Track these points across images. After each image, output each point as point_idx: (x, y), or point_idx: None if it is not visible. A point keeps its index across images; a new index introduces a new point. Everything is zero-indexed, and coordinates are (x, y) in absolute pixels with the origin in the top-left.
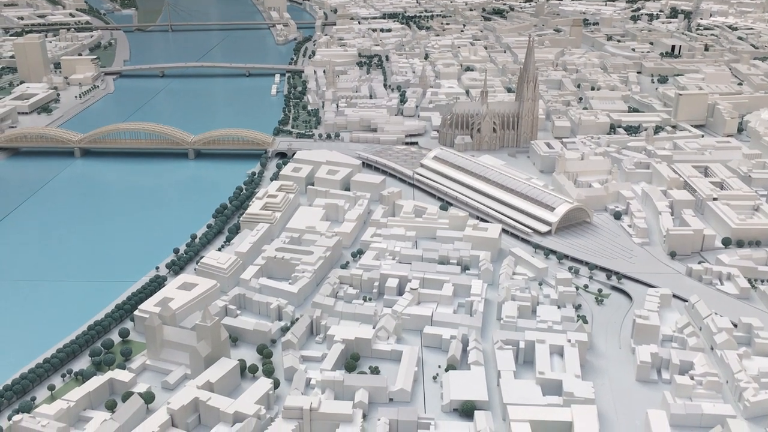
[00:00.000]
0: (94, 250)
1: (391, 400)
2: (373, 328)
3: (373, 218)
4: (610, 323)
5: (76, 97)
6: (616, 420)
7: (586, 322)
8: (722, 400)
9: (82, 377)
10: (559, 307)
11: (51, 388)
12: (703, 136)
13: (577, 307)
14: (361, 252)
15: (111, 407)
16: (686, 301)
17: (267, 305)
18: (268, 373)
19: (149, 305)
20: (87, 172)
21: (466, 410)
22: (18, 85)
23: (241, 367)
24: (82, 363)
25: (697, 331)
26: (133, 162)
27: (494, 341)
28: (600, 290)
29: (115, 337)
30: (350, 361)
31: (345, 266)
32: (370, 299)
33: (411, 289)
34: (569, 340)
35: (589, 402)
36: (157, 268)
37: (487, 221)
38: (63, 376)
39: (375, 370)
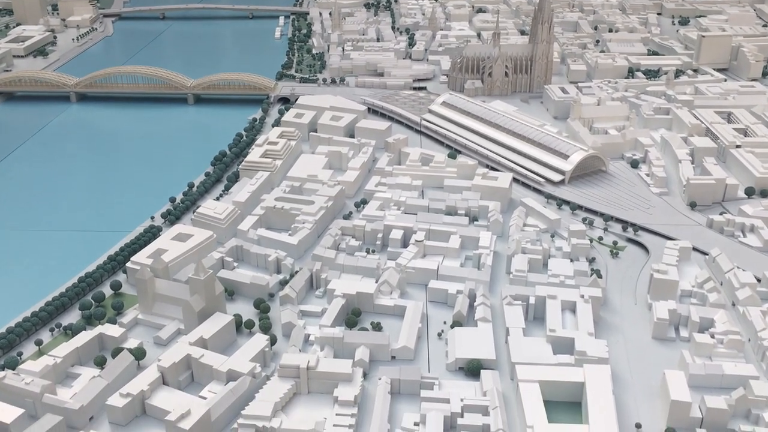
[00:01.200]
0: (88, 199)
1: (393, 358)
2: (376, 282)
3: (377, 167)
4: (625, 278)
5: (73, 39)
6: (631, 380)
7: (600, 276)
8: (744, 359)
9: (71, 332)
10: (571, 261)
11: (38, 343)
12: (725, 81)
13: (591, 261)
14: (364, 202)
15: (100, 363)
16: (707, 254)
17: (265, 257)
18: (265, 328)
19: (142, 257)
20: (83, 117)
21: (472, 369)
22: (14, 27)
23: (237, 323)
24: (72, 317)
25: (718, 287)
26: (130, 107)
27: (503, 296)
28: (615, 243)
29: (106, 290)
30: (351, 316)
31: (347, 217)
32: (373, 252)
33: (416, 241)
34: (582, 296)
35: (602, 361)
36: (152, 218)
37: (497, 170)
38: (51, 330)
39: (377, 327)
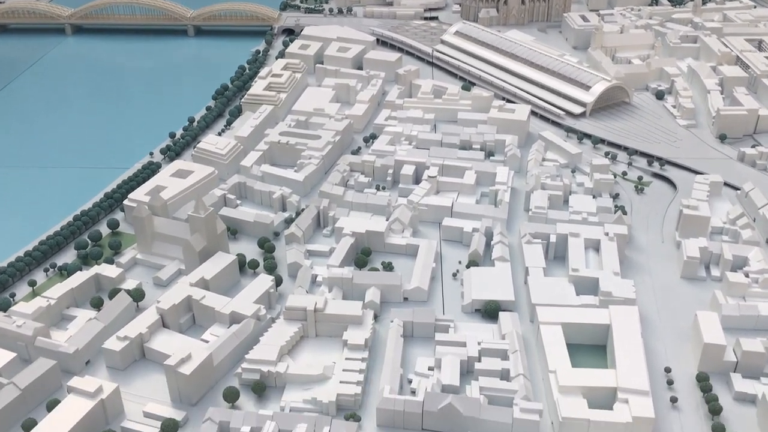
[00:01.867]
0: (85, 135)
1: (405, 299)
2: (387, 220)
3: (387, 99)
4: (651, 214)
5: None
6: (659, 322)
7: (625, 213)
8: None
9: (66, 272)
10: (594, 197)
11: (32, 283)
12: (755, 7)
13: (615, 197)
14: (374, 137)
15: (96, 305)
16: (739, 189)
17: (269, 195)
18: (270, 269)
19: (140, 194)
20: (78, 50)
21: (489, 311)
22: None
23: (240, 263)
24: (67, 257)
25: (752, 223)
26: (128, 39)
27: (521, 235)
28: (640, 178)
29: (103, 229)
30: (360, 256)
31: (356, 152)
32: (383, 188)
33: (429, 177)
34: (606, 233)
35: (629, 302)
36: (151, 154)
37: (514, 102)
38: (45, 271)
39: (388, 267)
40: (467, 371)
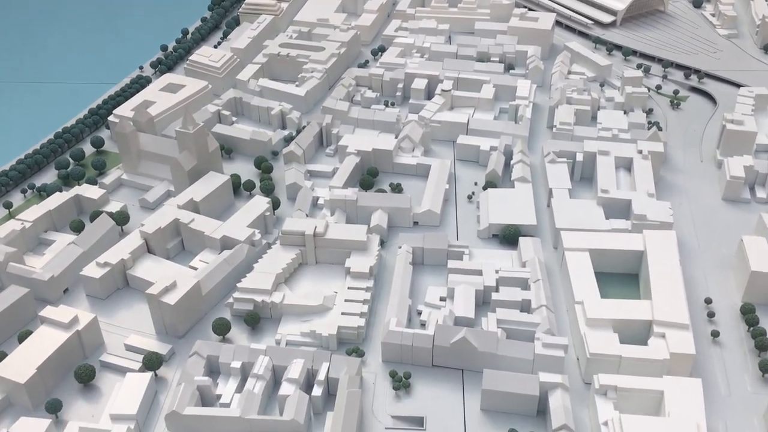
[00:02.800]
0: (70, 47)
1: (415, 223)
2: (396, 137)
3: (398, 9)
4: (688, 132)
5: None
6: (699, 249)
7: (660, 129)
8: None
9: (45, 193)
10: (625, 113)
11: (8, 205)
12: None
13: (648, 113)
14: (382, 49)
15: (77, 229)
16: None
17: (268, 111)
18: (267, 191)
19: (125, 110)
20: None
21: (508, 236)
22: None
23: (234, 184)
24: (47, 177)
25: None
26: None
27: (545, 153)
28: (676, 92)
29: (87, 147)
30: (366, 177)
31: (363, 65)
32: (392, 104)
33: (443, 91)
34: (640, 151)
35: (666, 226)
36: (141, 68)
37: (536, 10)
38: (23, 192)
39: (396, 188)
40: (483, 302)
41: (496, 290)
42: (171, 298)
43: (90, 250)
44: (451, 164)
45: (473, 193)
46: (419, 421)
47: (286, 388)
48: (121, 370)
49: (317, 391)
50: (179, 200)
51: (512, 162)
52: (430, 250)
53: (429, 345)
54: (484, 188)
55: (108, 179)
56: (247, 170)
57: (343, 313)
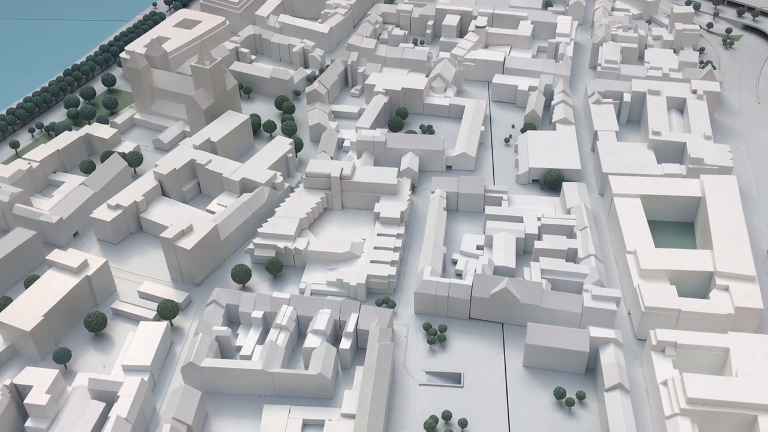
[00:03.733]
0: None
1: (449, 168)
2: (426, 77)
3: None
4: (744, 73)
5: None
6: (759, 196)
7: (714, 67)
8: None
9: (54, 132)
10: (675, 52)
11: (14, 145)
12: None
13: (700, 51)
14: None
15: (87, 170)
16: None
17: (289, 48)
18: (289, 132)
19: (138, 45)
20: None
21: (550, 182)
22: None
23: (254, 125)
24: (56, 116)
25: None
26: None
27: (588, 93)
28: (729, 30)
29: (98, 86)
30: (396, 118)
31: (390, 1)
32: (422, 42)
33: (476, 27)
34: (694, 91)
35: (725, 171)
36: (155, 4)
37: None
38: (31, 131)
39: (428, 130)
40: (524, 251)
41: (539, 238)
42: (187, 243)
43: (101, 192)
44: (486, 105)
45: (510, 136)
46: (456, 378)
47: (311, 340)
48: (135, 319)
49: (345, 343)
50: (195, 140)
51: (553, 103)
52: (465, 195)
53: (467, 296)
54: (523, 131)
55: (120, 119)
56: (267, 111)
57: (372, 261)
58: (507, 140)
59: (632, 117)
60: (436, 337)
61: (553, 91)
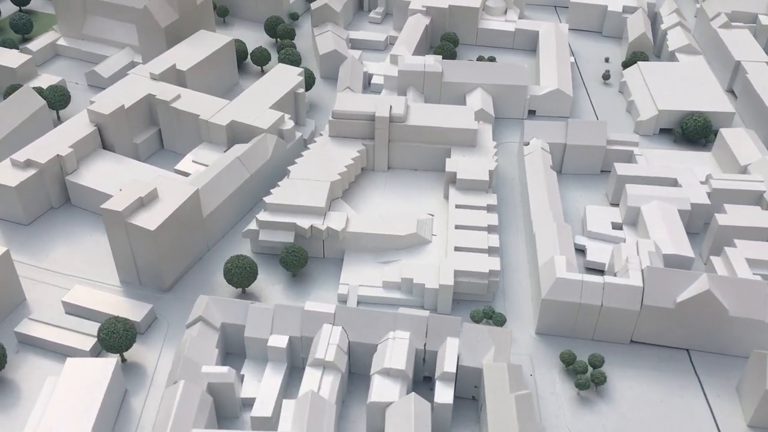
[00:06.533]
0: None
1: (531, 113)
2: None
3: None
4: None
5: None
6: None
7: None
8: None
9: None
10: None
11: None
12: None
13: None
14: None
15: None
16: None
17: None
18: (290, 64)
19: None
20: None
21: (691, 131)
22: None
23: (240, 54)
24: None
25: None
26: None
27: (710, 16)
28: None
29: (5, 5)
30: (446, 44)
31: None
32: None
33: None
34: None
35: None
36: None
37: None
38: None
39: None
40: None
41: (714, 210)
42: (149, 220)
43: (2, 143)
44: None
45: (608, 72)
46: None
47: (383, 389)
48: (58, 352)
49: (443, 393)
50: (153, 68)
51: (663, 27)
52: (577, 149)
53: (632, 305)
54: (627, 64)
55: (36, 45)
56: (254, 38)
57: (457, 249)
58: (606, 77)
59: None
60: (589, 378)
61: (658, 12)
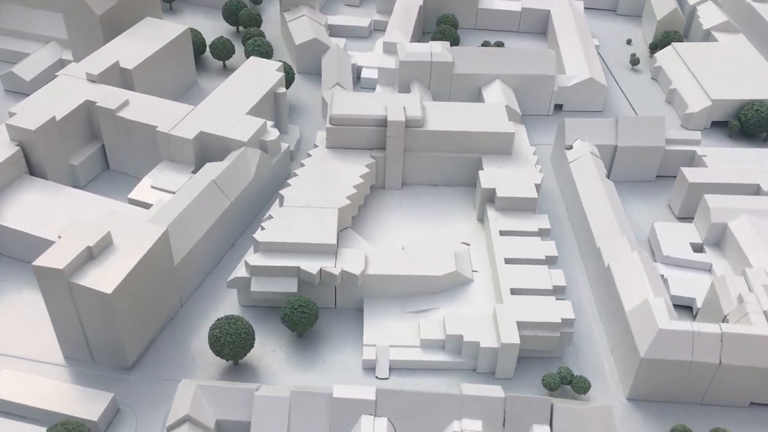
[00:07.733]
0: None
1: (558, 107)
2: None
3: None
4: None
5: None
6: None
7: None
8: None
9: None
10: None
11: None
12: None
13: None
14: None
15: None
16: None
17: None
18: (263, 52)
19: None
20: None
21: (753, 123)
22: None
23: (197, 47)
24: None
25: None
26: None
27: None
28: None
29: None
30: (445, 27)
31: None
32: None
33: None
34: None
35: None
36: None
37: None
38: None
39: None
40: None
41: None
42: (103, 280)
43: None
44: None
45: (635, 56)
46: None
47: None
48: None
49: None
50: (89, 67)
51: (693, 2)
52: (631, 151)
53: (763, 360)
54: (655, 47)
55: None
56: (210, 27)
57: (513, 292)
58: (634, 62)
59: None
60: None
61: None
